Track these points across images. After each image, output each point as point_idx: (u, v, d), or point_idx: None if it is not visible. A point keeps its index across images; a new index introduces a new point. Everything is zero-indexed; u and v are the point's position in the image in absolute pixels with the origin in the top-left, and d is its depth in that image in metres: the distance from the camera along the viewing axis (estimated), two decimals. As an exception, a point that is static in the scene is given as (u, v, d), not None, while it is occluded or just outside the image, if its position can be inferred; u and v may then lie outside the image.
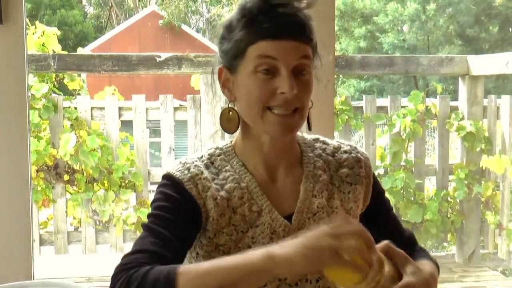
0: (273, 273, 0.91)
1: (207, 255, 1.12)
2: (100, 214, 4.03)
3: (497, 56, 4.19)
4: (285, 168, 1.18)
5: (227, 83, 1.15)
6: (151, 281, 0.93)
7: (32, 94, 3.77)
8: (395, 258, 1.04)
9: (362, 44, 14.83)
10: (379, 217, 1.24)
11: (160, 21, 15.90)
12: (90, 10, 22.78)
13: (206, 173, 1.13)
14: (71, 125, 3.97)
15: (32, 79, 3.83)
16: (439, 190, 4.33)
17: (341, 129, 4.12)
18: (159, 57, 3.80)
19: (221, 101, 3.93)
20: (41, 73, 3.86)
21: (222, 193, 1.12)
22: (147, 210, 3.98)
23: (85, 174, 3.99)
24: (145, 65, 3.83)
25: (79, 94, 4.08)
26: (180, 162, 1.15)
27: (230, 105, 1.15)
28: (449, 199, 4.36)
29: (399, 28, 14.94)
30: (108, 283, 0.99)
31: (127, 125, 4.19)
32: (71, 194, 4.05)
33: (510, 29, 15.54)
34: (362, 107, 4.23)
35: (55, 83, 3.95)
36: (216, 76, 1.17)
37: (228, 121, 1.14)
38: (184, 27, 16.37)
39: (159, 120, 4.08)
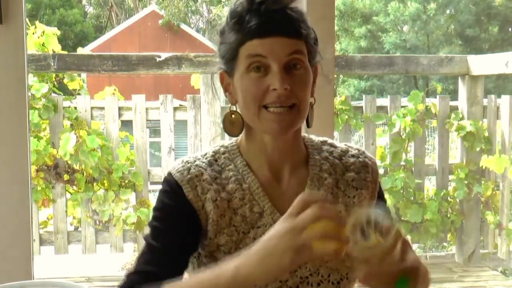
0: (249, 285, 0.93)
1: (209, 255, 1.13)
2: (100, 214, 4.03)
3: (497, 56, 4.19)
4: (290, 169, 1.17)
5: (228, 87, 1.16)
6: None
7: (32, 94, 3.77)
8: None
9: (363, 43, 14.84)
10: None
11: (160, 21, 15.92)
12: (90, 10, 22.81)
13: (206, 174, 1.13)
14: (71, 125, 3.98)
15: (32, 79, 3.83)
16: (439, 190, 4.33)
17: (341, 129, 4.12)
18: (159, 57, 3.80)
19: (221, 101, 3.93)
20: (41, 73, 3.87)
21: (223, 194, 1.12)
22: (147, 210, 3.99)
23: (85, 174, 3.99)
24: (145, 65, 3.83)
25: (79, 94, 4.09)
26: (182, 161, 1.16)
27: (232, 108, 1.15)
28: (449, 199, 4.36)
29: (399, 27, 14.96)
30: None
31: (127, 125, 4.19)
32: (71, 194, 4.05)
33: (510, 29, 15.56)
34: (362, 107, 4.23)
35: (55, 83, 3.96)
36: (215, 76, 1.18)
37: (231, 124, 1.15)
38: (184, 27, 16.39)
39: (159, 120, 4.08)
